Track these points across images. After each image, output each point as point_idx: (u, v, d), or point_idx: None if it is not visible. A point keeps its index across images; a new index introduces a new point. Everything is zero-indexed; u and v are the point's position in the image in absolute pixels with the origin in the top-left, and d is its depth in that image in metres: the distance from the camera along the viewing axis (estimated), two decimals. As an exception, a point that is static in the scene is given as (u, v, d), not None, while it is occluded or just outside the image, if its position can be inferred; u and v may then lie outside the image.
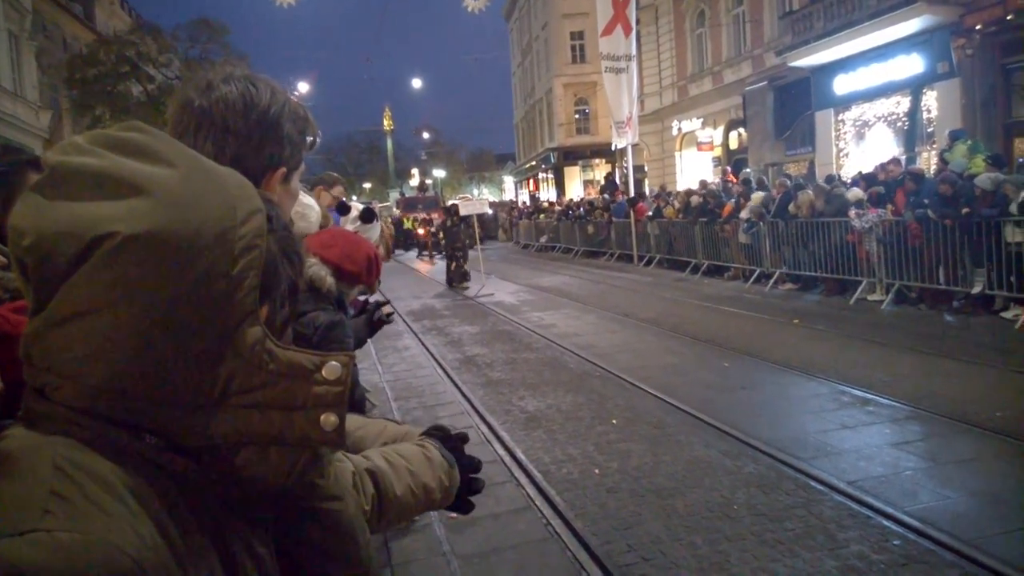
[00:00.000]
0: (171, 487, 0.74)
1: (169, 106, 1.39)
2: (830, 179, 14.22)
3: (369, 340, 3.96)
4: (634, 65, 20.89)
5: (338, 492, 1.03)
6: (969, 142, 12.17)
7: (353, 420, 1.55)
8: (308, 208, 3.23)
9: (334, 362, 0.83)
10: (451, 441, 1.46)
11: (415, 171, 65.44)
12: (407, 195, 47.01)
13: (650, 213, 19.62)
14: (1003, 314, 9.66)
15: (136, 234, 0.69)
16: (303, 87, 39.47)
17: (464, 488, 1.44)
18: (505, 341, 10.44)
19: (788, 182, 14.65)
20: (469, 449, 1.49)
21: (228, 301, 0.75)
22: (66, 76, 28.84)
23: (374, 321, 3.61)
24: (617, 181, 28.89)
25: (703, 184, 18.58)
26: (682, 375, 7.84)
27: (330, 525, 1.01)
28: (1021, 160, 12.38)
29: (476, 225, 17.89)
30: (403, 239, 34.57)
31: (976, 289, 10.03)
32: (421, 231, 31.13)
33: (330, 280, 2.75)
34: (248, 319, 0.77)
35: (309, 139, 1.43)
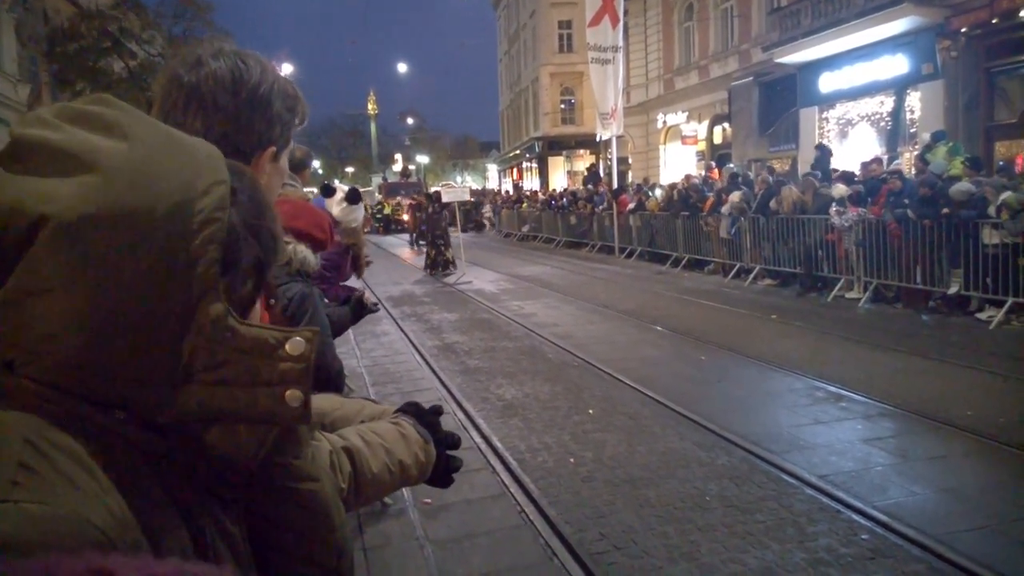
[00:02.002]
0: (141, 463, 0.73)
1: (157, 80, 1.35)
2: (813, 174, 14.30)
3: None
4: (620, 57, 20.85)
5: (315, 473, 1.02)
6: (950, 144, 12.28)
7: (331, 400, 1.56)
8: (357, 211, 4.00)
9: (298, 338, 0.81)
10: (426, 416, 1.46)
11: (398, 156, 65.17)
12: (390, 180, 46.76)
13: (632, 205, 19.65)
14: (978, 315, 9.78)
15: (81, 215, 0.67)
16: (287, 68, 39.20)
17: (443, 464, 1.44)
18: (484, 329, 10.44)
19: (771, 178, 14.72)
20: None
21: (187, 276, 0.73)
22: (46, 50, 28.39)
23: (359, 310, 3.59)
24: (601, 173, 28.91)
25: (687, 178, 18.64)
26: (659, 367, 7.88)
27: (306, 506, 1.00)
28: (1001, 163, 12.50)
29: (458, 213, 17.85)
30: (383, 224, 34.43)
31: (952, 290, 10.15)
32: (406, 216, 30.10)
33: (312, 260, 2.74)
34: (208, 295, 0.75)
35: (298, 118, 1.42)
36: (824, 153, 16.08)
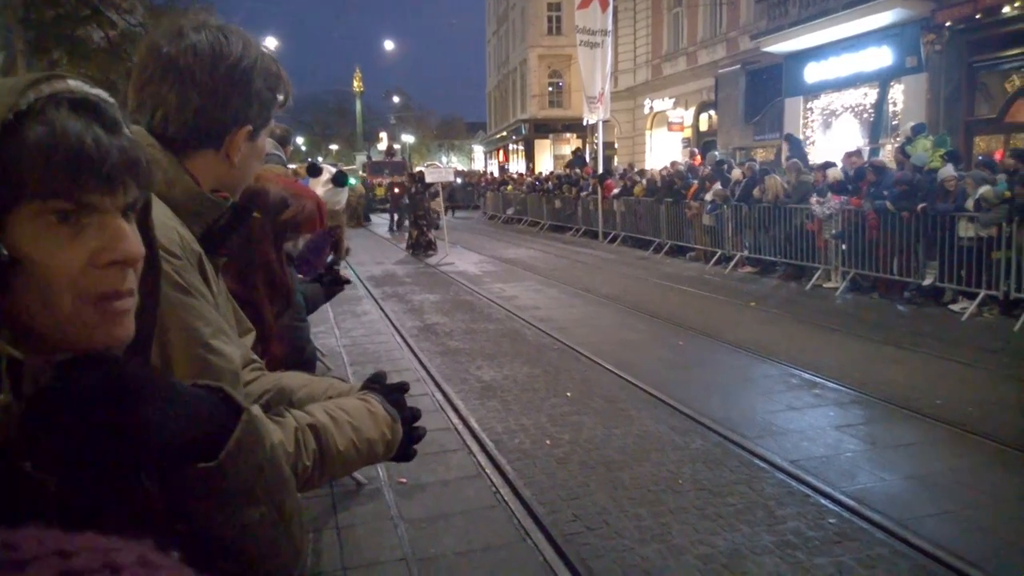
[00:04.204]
0: None
1: (138, 49, 1.35)
2: (792, 165, 14.37)
3: (328, 304, 3.97)
4: (609, 41, 20.81)
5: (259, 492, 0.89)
6: (931, 137, 12.38)
7: (299, 378, 1.55)
8: (342, 194, 3.87)
9: None
10: (392, 393, 1.46)
11: (383, 135, 64.65)
12: (374, 159, 46.45)
13: (617, 191, 19.68)
14: (951, 306, 9.91)
15: None
16: (271, 42, 38.73)
17: (405, 437, 1.44)
18: (465, 311, 10.47)
19: (755, 166, 14.79)
20: (423, 416, 1.49)
21: None
22: (22, 16, 27.81)
23: (331, 287, 3.59)
24: (587, 157, 28.88)
25: (672, 164, 18.67)
26: (638, 351, 7.95)
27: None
28: (981, 158, 12.61)
29: (441, 195, 17.79)
30: (368, 206, 33.43)
31: (927, 281, 10.28)
32: (397, 190, 27.09)
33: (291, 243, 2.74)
34: None
35: (280, 97, 1.40)
36: (793, 144, 16.15)
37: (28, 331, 0.75)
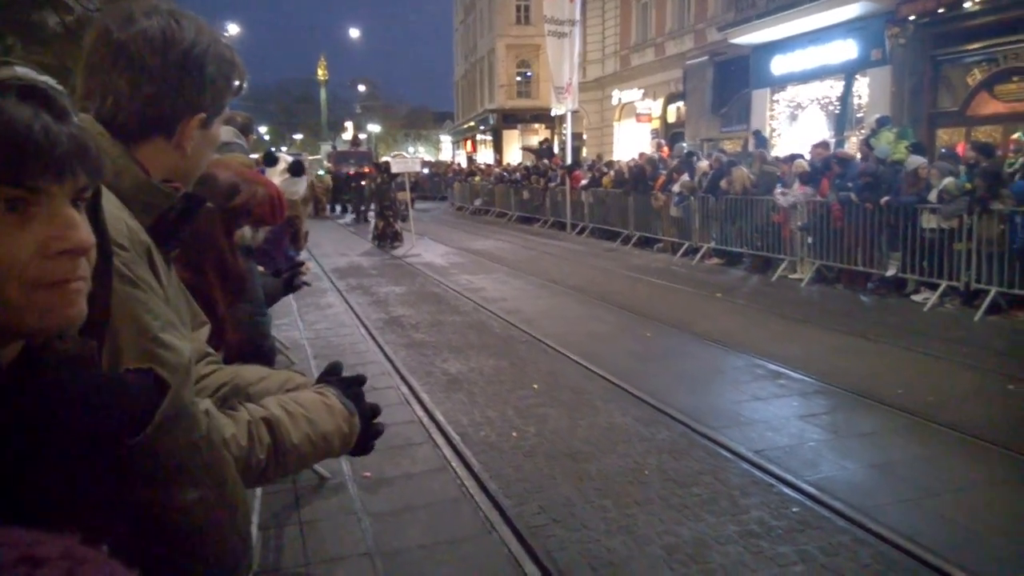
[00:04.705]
0: None
1: (87, 34, 1.31)
2: (760, 156, 14.48)
3: (291, 295, 3.91)
4: (577, 31, 20.81)
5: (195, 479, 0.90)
6: (895, 129, 12.53)
7: (255, 371, 1.52)
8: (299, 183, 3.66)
9: None
10: (350, 386, 1.44)
11: (349, 124, 64.00)
12: (339, 148, 46.04)
13: (585, 182, 19.70)
14: (914, 297, 10.06)
15: None
16: (233, 29, 38.15)
17: (363, 432, 1.42)
18: (432, 303, 10.41)
19: (723, 158, 14.88)
20: (389, 409, 1.48)
21: None
22: (-26, 2, 27.15)
23: (291, 284, 3.55)
24: (555, 148, 28.90)
25: (641, 155, 18.73)
26: (605, 343, 7.96)
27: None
28: (944, 150, 12.82)
29: (407, 186, 17.65)
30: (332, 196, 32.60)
31: (890, 272, 10.42)
32: (364, 182, 26.16)
33: (249, 235, 2.69)
34: None
35: (236, 84, 1.37)
36: (760, 140, 16.29)
37: None
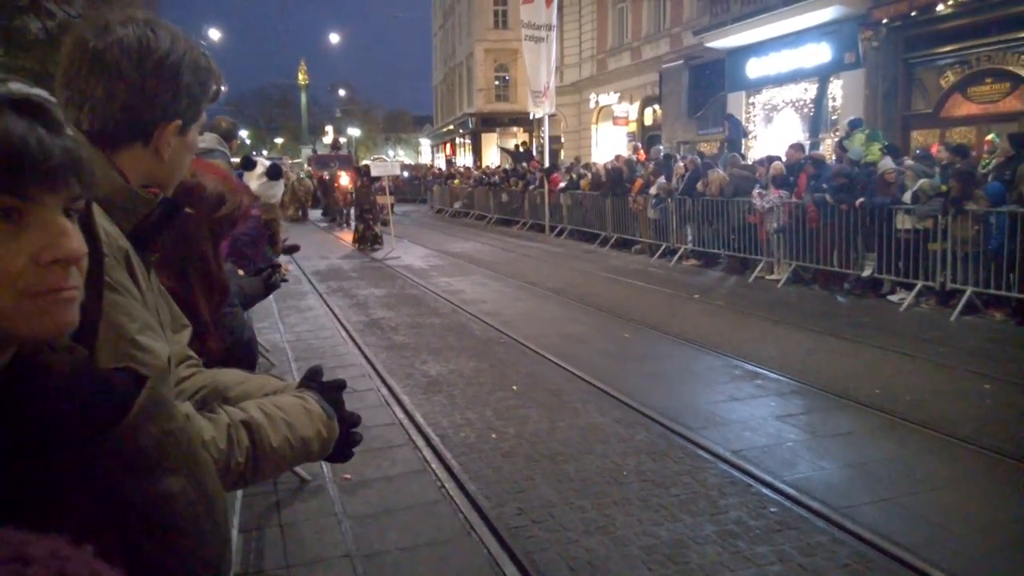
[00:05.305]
0: None
1: (64, 43, 1.33)
2: (733, 159, 14.59)
3: (271, 298, 3.90)
4: (554, 35, 20.85)
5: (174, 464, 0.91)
6: (867, 131, 12.67)
7: (235, 375, 1.52)
8: (277, 187, 3.48)
9: None
10: (330, 391, 1.45)
11: (329, 128, 63.88)
12: (320, 152, 45.87)
13: (563, 184, 19.76)
14: (890, 297, 10.17)
15: None
16: (214, 34, 37.95)
17: (343, 439, 1.43)
18: (411, 305, 10.39)
19: (698, 160, 14.97)
20: (369, 411, 1.50)
21: None
22: (-41, 8, 26.82)
23: (269, 283, 3.54)
24: (534, 151, 28.92)
25: (618, 158, 18.80)
26: (583, 344, 7.98)
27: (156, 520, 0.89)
28: (918, 151, 12.96)
29: (387, 189, 17.62)
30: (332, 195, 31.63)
31: (866, 272, 10.53)
32: (347, 183, 25.03)
33: None
34: None
35: (212, 90, 1.40)
36: (733, 123, 16.35)
37: None
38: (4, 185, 0.75)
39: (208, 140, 4.01)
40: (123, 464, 0.83)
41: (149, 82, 1.28)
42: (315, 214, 28.52)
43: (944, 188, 9.47)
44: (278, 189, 4.27)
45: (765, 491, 4.40)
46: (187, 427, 0.95)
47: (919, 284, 9.70)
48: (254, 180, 4.30)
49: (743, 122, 20.06)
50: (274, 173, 4.39)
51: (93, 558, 0.58)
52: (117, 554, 0.78)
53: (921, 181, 9.77)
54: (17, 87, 0.79)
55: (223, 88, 1.45)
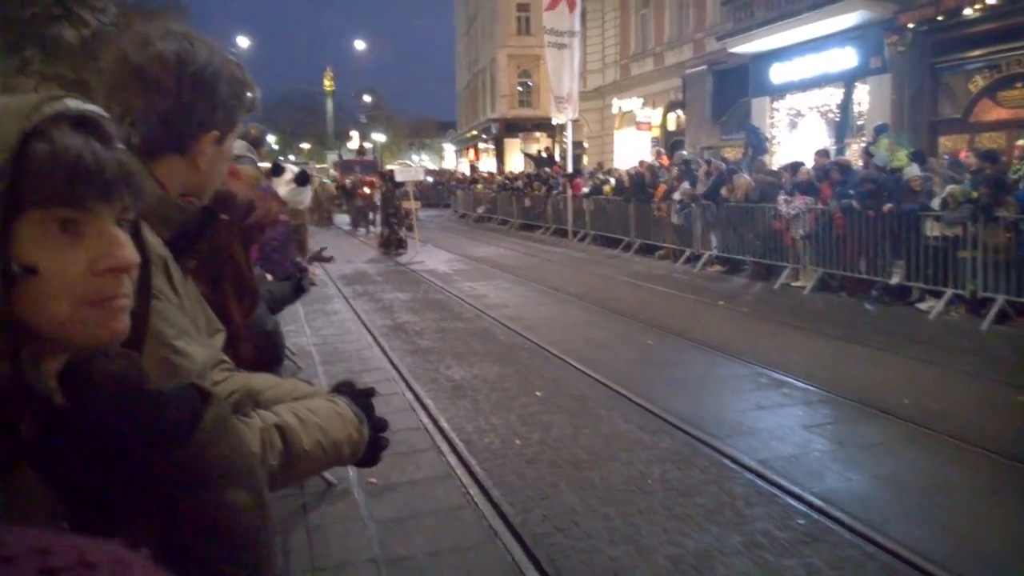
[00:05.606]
0: None
1: (105, 58, 1.38)
2: (759, 164, 14.51)
3: (298, 302, 3.95)
4: (577, 42, 20.88)
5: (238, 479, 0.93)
6: (891, 137, 12.55)
7: (265, 379, 1.54)
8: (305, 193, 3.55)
9: None
10: (360, 397, 1.47)
11: (354, 134, 64.37)
12: (345, 158, 46.20)
13: (586, 189, 19.74)
14: (918, 305, 10.04)
15: None
16: (242, 42, 38.33)
17: (371, 444, 1.45)
18: (436, 309, 10.42)
19: (723, 165, 14.90)
20: (394, 415, 1.51)
21: None
22: (-3, 16, 27.27)
23: (298, 286, 3.57)
24: (557, 157, 28.94)
25: (641, 163, 18.77)
26: (607, 350, 7.95)
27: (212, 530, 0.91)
28: (947, 157, 12.82)
29: (412, 194, 17.70)
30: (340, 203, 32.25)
31: (894, 280, 10.41)
32: (368, 190, 25.29)
33: None
34: None
35: (246, 101, 1.43)
36: (750, 132, 16.29)
37: (26, 331, 0.79)
38: (63, 198, 0.78)
39: (238, 147, 4.06)
40: (189, 479, 0.86)
41: (187, 94, 1.31)
42: (343, 218, 28.66)
43: (974, 194, 9.34)
44: (306, 195, 4.32)
45: (792, 502, 4.35)
46: (249, 442, 0.98)
47: (949, 292, 9.57)
48: (282, 186, 4.35)
49: (764, 129, 19.93)
50: (302, 179, 4.43)
51: (152, 564, 0.59)
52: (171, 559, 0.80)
53: (950, 187, 9.65)
54: (74, 103, 0.82)
55: (257, 99, 1.47)
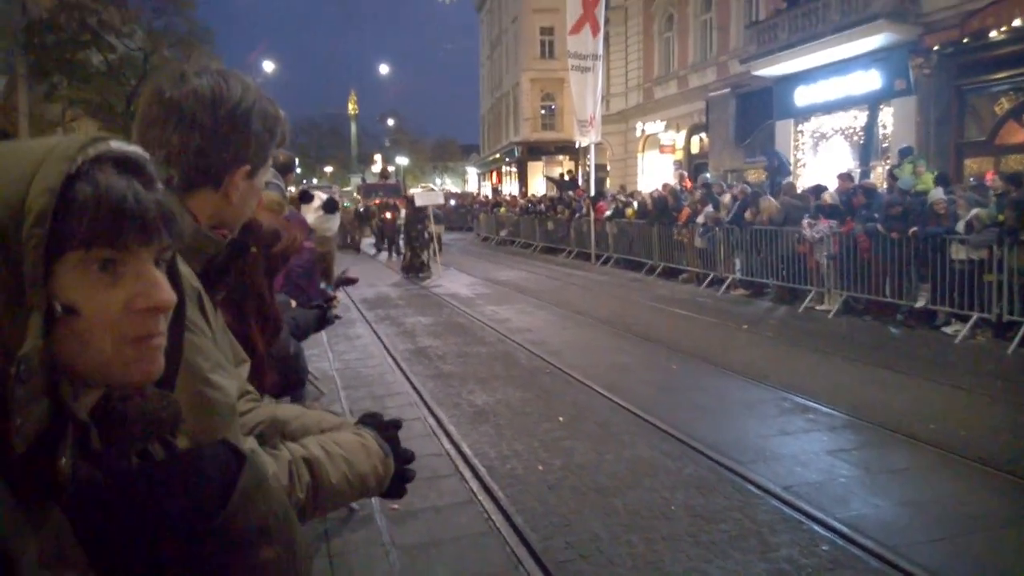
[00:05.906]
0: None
1: (142, 95, 1.41)
2: (788, 187, 14.45)
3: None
4: (600, 65, 21.00)
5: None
6: (914, 160, 12.48)
7: (291, 410, 1.57)
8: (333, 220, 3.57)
9: None
10: (386, 429, 1.49)
11: (378, 157, 64.94)
12: (369, 181, 46.60)
13: (609, 212, 19.76)
14: (944, 329, 9.93)
15: None
16: (268, 66, 38.89)
17: (396, 476, 1.47)
18: (458, 334, 10.45)
19: (747, 189, 14.87)
20: (416, 441, 1.53)
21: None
22: (24, 41, 27.93)
23: (324, 317, 3.61)
24: (579, 180, 29.01)
25: (665, 186, 18.77)
26: (630, 375, 7.94)
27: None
28: (973, 180, 12.72)
29: (431, 218, 17.80)
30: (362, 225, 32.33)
31: (920, 303, 10.31)
32: (389, 215, 25.70)
33: None
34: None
35: (279, 135, 1.46)
36: (769, 156, 16.24)
37: (67, 371, 0.80)
38: (104, 238, 0.79)
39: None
40: (225, 542, 0.87)
41: (222, 129, 1.34)
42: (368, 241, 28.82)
43: (1000, 217, 9.26)
44: (334, 223, 4.37)
45: (817, 528, 4.31)
46: (285, 498, 0.98)
47: (975, 316, 9.46)
48: (311, 213, 4.41)
49: (788, 152, 19.88)
50: (330, 207, 4.49)
51: None
52: None
53: (976, 210, 9.58)
54: (117, 145, 0.85)
55: (287, 132, 1.50)
